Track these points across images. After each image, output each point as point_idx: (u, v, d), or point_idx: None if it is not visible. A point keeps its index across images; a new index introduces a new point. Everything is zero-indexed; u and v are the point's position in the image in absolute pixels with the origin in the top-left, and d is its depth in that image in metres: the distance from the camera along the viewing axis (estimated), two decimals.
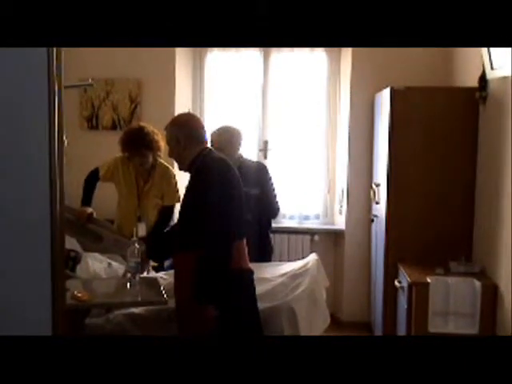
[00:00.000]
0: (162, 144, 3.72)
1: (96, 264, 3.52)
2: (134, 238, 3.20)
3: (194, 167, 2.92)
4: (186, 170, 3.04)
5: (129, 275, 3.16)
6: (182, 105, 5.05)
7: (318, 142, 5.21)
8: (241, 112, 5.20)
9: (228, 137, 3.88)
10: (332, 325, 3.78)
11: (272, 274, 3.53)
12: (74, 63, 4.33)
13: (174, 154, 3.01)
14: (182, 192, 3.42)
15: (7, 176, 1.64)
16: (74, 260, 3.34)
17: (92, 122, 5.09)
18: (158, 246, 3.27)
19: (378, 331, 4.35)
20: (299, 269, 3.54)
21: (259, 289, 3.11)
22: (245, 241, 3.00)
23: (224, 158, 3.02)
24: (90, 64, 4.84)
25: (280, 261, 4.43)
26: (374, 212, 4.57)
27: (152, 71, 4.97)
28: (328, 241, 5.18)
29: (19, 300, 1.68)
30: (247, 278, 2.98)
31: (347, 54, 4.92)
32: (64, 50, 1.72)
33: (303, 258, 3.89)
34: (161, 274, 3.55)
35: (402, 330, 3.75)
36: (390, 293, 4.02)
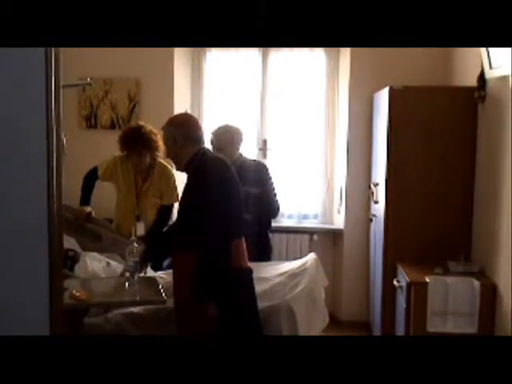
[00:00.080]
0: (161, 143, 3.72)
1: (95, 263, 3.51)
2: (133, 238, 3.20)
3: (192, 167, 2.92)
4: (183, 170, 3.05)
5: (127, 274, 3.16)
6: (181, 104, 5.05)
7: (317, 141, 5.21)
8: (240, 111, 5.20)
9: (228, 136, 3.88)
10: (331, 324, 3.78)
11: (271, 273, 3.53)
12: (72, 62, 4.34)
13: (171, 153, 3.02)
14: (180, 191, 3.42)
15: (5, 175, 1.63)
16: (72, 259, 3.34)
17: (91, 121, 5.09)
18: (156, 248, 3.27)
19: (377, 331, 4.35)
20: (298, 268, 3.54)
21: (258, 288, 3.11)
22: (244, 239, 3.00)
23: (221, 157, 3.03)
24: (89, 63, 4.83)
25: (279, 260, 4.43)
26: (372, 211, 4.57)
27: (151, 70, 4.97)
28: (327, 240, 5.18)
29: (17, 300, 1.68)
30: (246, 277, 2.99)
31: (346, 53, 4.91)
32: (63, 49, 1.72)
33: (302, 257, 3.89)
34: (159, 274, 3.54)
35: (400, 330, 3.75)
36: (389, 292, 4.02)
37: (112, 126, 5.04)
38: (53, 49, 1.66)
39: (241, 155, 3.97)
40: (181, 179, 3.56)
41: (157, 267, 3.63)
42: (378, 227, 4.31)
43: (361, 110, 4.82)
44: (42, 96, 1.65)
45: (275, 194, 4.06)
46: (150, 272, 3.51)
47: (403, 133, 3.95)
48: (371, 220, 4.58)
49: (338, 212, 5.15)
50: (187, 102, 5.22)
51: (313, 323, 3.36)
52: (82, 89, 4.93)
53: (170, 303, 2.98)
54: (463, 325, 3.36)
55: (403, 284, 3.68)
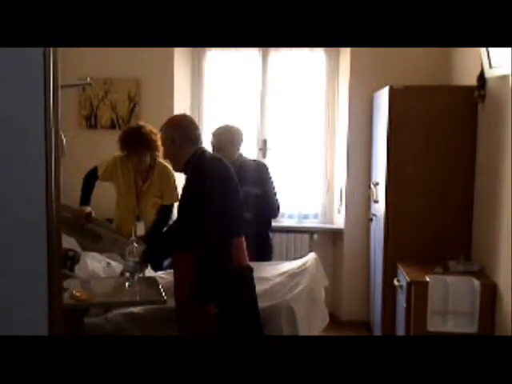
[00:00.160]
0: (161, 143, 3.72)
1: (95, 263, 3.51)
2: (133, 238, 3.20)
3: (190, 167, 2.93)
4: (181, 171, 3.06)
5: (127, 275, 3.16)
6: (181, 104, 5.05)
7: (317, 141, 5.21)
8: (240, 111, 5.20)
9: (229, 136, 3.88)
10: (331, 324, 3.78)
11: (271, 273, 3.53)
12: (72, 62, 4.35)
13: (169, 154, 3.03)
14: (180, 191, 3.42)
15: (3, 175, 1.63)
16: (72, 259, 3.34)
17: (91, 121, 5.09)
18: (156, 248, 3.27)
19: (377, 330, 4.35)
20: (298, 268, 3.54)
21: (258, 288, 3.11)
22: (244, 238, 3.00)
23: (219, 156, 3.05)
24: (89, 63, 4.83)
25: (279, 260, 4.44)
26: (372, 211, 4.57)
27: (151, 70, 4.97)
28: (327, 240, 5.18)
29: (16, 300, 1.68)
30: (247, 276, 2.99)
31: (346, 53, 4.91)
32: (63, 49, 1.72)
33: (302, 257, 3.89)
34: (160, 274, 3.54)
35: (401, 329, 3.75)
36: (389, 292, 4.02)
37: (112, 126, 5.04)
38: (51, 49, 1.66)
39: (241, 155, 3.97)
40: (181, 179, 3.56)
41: (157, 267, 3.62)
42: (378, 227, 4.31)
43: (361, 110, 4.82)
44: (40, 96, 1.65)
45: (275, 194, 4.06)
46: (150, 272, 3.51)
47: (403, 132, 3.95)
48: (371, 220, 4.58)
49: (338, 212, 5.15)
50: (187, 102, 5.22)
51: (313, 323, 3.36)
52: (81, 89, 4.93)
53: (171, 303, 2.98)
54: (463, 324, 3.36)
55: (403, 283, 3.68)
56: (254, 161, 4.19)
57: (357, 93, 4.82)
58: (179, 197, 3.32)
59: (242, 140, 3.95)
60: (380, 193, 4.23)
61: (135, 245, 3.12)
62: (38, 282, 1.69)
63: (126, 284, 3.10)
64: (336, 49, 5.05)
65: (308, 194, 5.26)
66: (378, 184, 4.33)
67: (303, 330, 3.18)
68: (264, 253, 3.98)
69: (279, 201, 4.08)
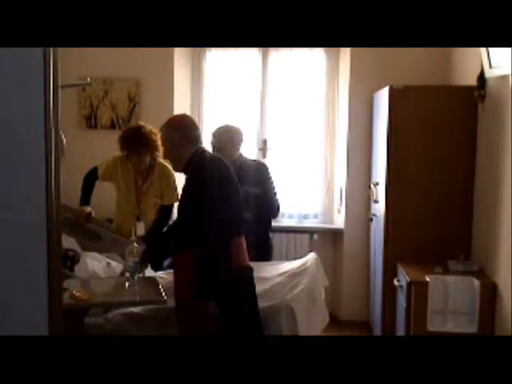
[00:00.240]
0: (161, 144, 3.72)
1: (95, 263, 3.51)
2: (133, 238, 3.20)
3: (190, 167, 2.93)
4: (181, 171, 3.06)
5: (127, 275, 3.16)
6: (181, 104, 5.05)
7: (317, 141, 5.21)
8: (240, 111, 5.20)
9: (229, 136, 3.88)
10: (331, 324, 3.79)
11: (271, 273, 3.53)
12: (72, 62, 4.35)
13: (169, 154, 3.04)
14: (180, 191, 3.42)
15: (3, 175, 1.63)
16: (72, 259, 3.34)
17: (91, 121, 5.09)
18: (156, 248, 3.28)
19: (377, 330, 4.35)
20: (298, 268, 3.54)
21: (258, 288, 3.12)
22: (244, 238, 3.01)
23: (219, 156, 3.05)
24: (89, 63, 4.83)
25: (279, 260, 4.44)
26: (372, 211, 4.57)
27: (151, 70, 4.97)
28: (327, 240, 5.18)
29: (16, 300, 1.68)
30: (247, 276, 2.99)
31: (346, 52, 4.91)
32: (63, 49, 1.72)
33: (302, 257, 3.89)
34: (160, 273, 3.54)
35: (401, 329, 3.76)
36: (389, 292, 4.02)
37: (112, 126, 5.04)
38: (51, 49, 1.66)
39: (241, 155, 3.97)
40: (181, 179, 3.56)
41: (157, 267, 3.63)
42: (378, 227, 4.31)
43: (361, 110, 4.83)
44: (40, 96, 1.65)
45: (275, 194, 4.06)
46: (150, 272, 3.51)
47: (403, 132, 3.95)
48: (371, 219, 4.58)
49: (338, 212, 5.15)
50: (187, 102, 5.22)
51: (313, 323, 3.36)
52: (81, 89, 4.93)
53: (171, 303, 2.98)
54: (463, 324, 3.36)
55: (403, 283, 3.68)
56: (254, 161, 4.19)
57: (357, 93, 4.82)
58: (179, 197, 3.33)
59: (241, 140, 3.95)
60: (380, 193, 4.23)
61: (135, 245, 3.12)
62: (38, 282, 1.69)
63: (126, 284, 3.10)
64: (336, 49, 5.05)
65: (308, 194, 5.26)
66: (377, 184, 4.33)
67: (303, 330, 3.18)
68: (264, 253, 3.98)
69: (279, 201, 4.08)
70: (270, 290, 3.31)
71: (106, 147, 4.24)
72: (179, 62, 5.05)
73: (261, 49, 5.10)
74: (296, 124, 5.20)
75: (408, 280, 3.53)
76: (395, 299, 3.96)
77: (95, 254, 3.62)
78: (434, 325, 3.39)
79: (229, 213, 2.83)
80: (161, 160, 3.99)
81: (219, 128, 3.92)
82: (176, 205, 3.74)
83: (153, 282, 3.20)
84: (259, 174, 3.96)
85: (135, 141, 3.86)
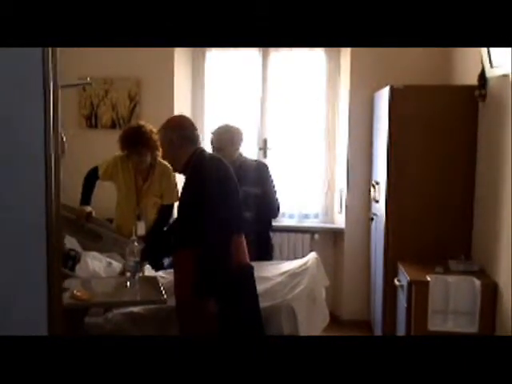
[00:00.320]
0: (160, 145, 3.73)
1: (95, 263, 3.51)
2: (134, 237, 3.20)
3: (189, 167, 2.94)
4: (180, 172, 3.07)
5: (128, 274, 3.16)
6: (182, 104, 5.05)
7: (318, 140, 5.21)
8: (240, 111, 5.20)
9: (228, 136, 3.87)
10: (332, 323, 3.79)
11: (272, 272, 3.53)
12: (73, 62, 4.35)
13: (168, 155, 3.05)
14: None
15: (3, 175, 1.63)
16: (73, 259, 3.34)
17: (91, 120, 5.09)
18: (154, 246, 3.28)
19: (378, 330, 4.35)
20: (299, 268, 3.54)
21: (259, 287, 3.12)
22: (243, 237, 3.01)
23: (218, 156, 3.06)
24: (89, 63, 4.83)
25: (280, 259, 4.44)
26: (373, 211, 4.57)
27: (151, 70, 4.97)
28: (328, 239, 5.18)
29: (15, 300, 1.68)
30: (247, 273, 3.00)
31: (346, 52, 4.91)
32: (63, 48, 1.72)
33: (303, 256, 3.89)
34: (160, 273, 3.55)
35: (401, 329, 3.75)
36: (390, 291, 4.02)
37: (112, 126, 5.04)
38: (51, 49, 1.66)
39: (241, 155, 3.96)
40: (181, 178, 3.56)
41: (155, 265, 3.63)
42: (378, 226, 4.31)
43: (361, 110, 4.82)
44: (40, 96, 1.65)
45: (275, 194, 4.06)
46: (150, 272, 3.51)
47: (404, 132, 3.94)
48: (372, 219, 4.58)
49: (339, 211, 5.15)
50: (188, 102, 5.22)
51: (313, 323, 3.36)
52: (82, 88, 4.93)
53: (171, 303, 2.98)
54: (464, 324, 3.36)
55: (404, 283, 3.68)
56: (255, 161, 4.18)
57: (357, 92, 4.82)
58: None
59: (241, 140, 3.95)
60: (380, 192, 4.23)
61: (136, 244, 3.12)
62: (37, 281, 1.70)
63: (127, 283, 3.10)
64: (336, 49, 5.05)
65: (309, 194, 5.25)
66: (378, 184, 4.33)
67: (304, 330, 3.19)
68: (265, 252, 3.98)
69: (279, 200, 4.08)
70: (271, 290, 3.31)
71: (106, 147, 4.24)
72: (180, 61, 5.04)
73: (261, 49, 5.10)
74: (296, 124, 5.20)
75: (409, 280, 3.53)
76: (396, 299, 3.96)
77: (96, 254, 3.62)
78: (435, 324, 3.39)
79: (228, 212, 2.83)
80: (161, 160, 3.99)
81: (219, 128, 3.92)
82: (176, 204, 3.74)
83: (153, 281, 3.20)
84: (259, 173, 3.95)
85: (136, 140, 3.86)
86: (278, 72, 5.16)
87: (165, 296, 2.96)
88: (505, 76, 3.29)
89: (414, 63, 4.64)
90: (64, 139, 2.02)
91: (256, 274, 3.08)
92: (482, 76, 3.61)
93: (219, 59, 5.21)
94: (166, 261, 3.89)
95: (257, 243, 3.58)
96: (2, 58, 1.60)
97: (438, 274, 3.48)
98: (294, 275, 3.46)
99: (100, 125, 5.08)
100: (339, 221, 5.16)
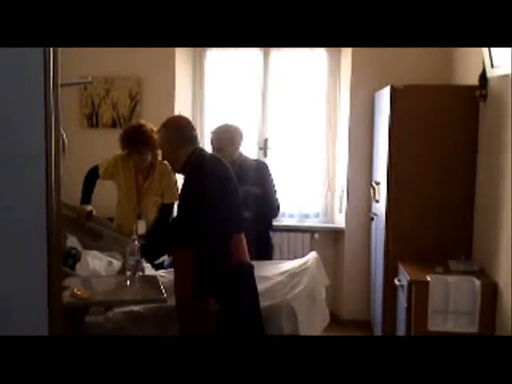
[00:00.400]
0: (159, 146, 3.73)
1: (96, 262, 3.51)
2: (134, 236, 3.20)
3: (188, 166, 2.94)
4: (179, 171, 3.07)
5: (128, 273, 3.16)
6: (182, 103, 5.05)
7: (318, 140, 5.21)
8: (241, 110, 5.20)
9: (228, 136, 3.86)
10: (332, 323, 3.79)
11: (272, 272, 3.53)
12: (73, 61, 4.34)
13: (167, 155, 3.06)
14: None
15: (3, 174, 1.63)
16: (73, 258, 3.35)
17: (92, 119, 5.09)
18: (152, 244, 3.29)
19: (378, 330, 4.35)
20: (299, 267, 3.54)
21: (259, 287, 3.12)
22: (243, 236, 3.01)
23: (217, 155, 3.06)
24: (90, 62, 4.82)
25: (280, 259, 4.44)
26: (373, 210, 4.57)
27: (152, 69, 4.97)
28: (328, 239, 5.18)
29: (16, 300, 1.68)
30: (247, 272, 3.00)
31: (347, 52, 4.91)
32: (63, 48, 1.72)
33: (303, 256, 3.89)
34: (160, 272, 3.55)
35: (401, 329, 3.75)
36: (390, 291, 4.02)
37: (113, 125, 5.04)
38: (51, 48, 1.66)
39: (241, 154, 3.96)
40: (181, 178, 3.56)
41: (152, 261, 3.64)
42: (378, 226, 4.31)
43: (362, 109, 4.82)
44: (40, 96, 1.65)
45: (275, 193, 4.05)
46: (151, 270, 3.52)
47: (404, 132, 3.94)
48: (372, 219, 4.58)
49: (339, 211, 5.15)
50: (188, 101, 5.22)
51: (313, 322, 3.37)
52: (83, 87, 4.94)
53: (171, 302, 2.99)
54: (464, 324, 3.36)
55: (404, 283, 3.68)
56: (255, 160, 4.18)
57: (358, 92, 4.82)
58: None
59: (241, 139, 3.94)
60: (381, 192, 4.23)
61: (136, 243, 3.12)
62: (37, 281, 1.70)
63: (127, 282, 3.10)
64: (337, 49, 5.05)
65: (309, 194, 5.25)
66: (378, 183, 4.32)
67: (304, 330, 3.19)
68: (265, 252, 3.97)
69: (279, 200, 4.07)
70: (271, 289, 3.31)
71: (107, 146, 4.24)
72: (180, 61, 5.05)
73: (262, 48, 5.10)
74: (297, 123, 5.20)
75: (409, 279, 3.53)
76: (396, 299, 3.96)
77: (96, 253, 3.62)
78: (435, 324, 3.39)
79: (228, 212, 2.83)
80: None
81: (219, 127, 3.91)
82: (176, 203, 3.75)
83: (153, 280, 3.20)
84: (259, 173, 3.95)
85: (136, 139, 3.86)
86: (279, 72, 5.16)
87: (165, 295, 2.96)
88: (506, 76, 3.29)
89: (414, 63, 4.64)
90: (65, 138, 2.02)
91: (256, 273, 3.09)
92: (483, 76, 3.61)
93: (220, 59, 5.21)
94: (166, 260, 3.90)
95: (257, 243, 3.58)
96: (2, 58, 1.60)
97: (438, 274, 3.48)
98: (294, 275, 3.46)
99: (101, 124, 5.08)
100: (339, 220, 5.16)
